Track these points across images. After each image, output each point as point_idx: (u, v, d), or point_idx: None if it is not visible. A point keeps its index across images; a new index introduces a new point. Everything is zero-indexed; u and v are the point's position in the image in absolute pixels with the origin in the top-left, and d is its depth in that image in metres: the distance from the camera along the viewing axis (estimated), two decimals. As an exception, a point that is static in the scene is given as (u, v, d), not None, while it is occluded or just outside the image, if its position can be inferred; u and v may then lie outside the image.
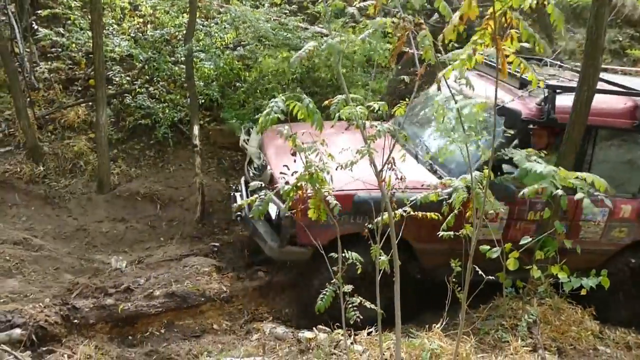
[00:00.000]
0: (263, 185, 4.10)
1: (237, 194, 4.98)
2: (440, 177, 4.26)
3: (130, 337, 3.93)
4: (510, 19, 1.83)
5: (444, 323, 3.49)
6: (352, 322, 2.53)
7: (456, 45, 2.80)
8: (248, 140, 4.95)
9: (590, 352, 3.78)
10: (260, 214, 2.43)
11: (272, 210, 4.29)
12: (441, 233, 2.74)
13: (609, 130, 4.50)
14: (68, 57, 7.26)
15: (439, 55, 2.36)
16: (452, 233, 2.74)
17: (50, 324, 3.55)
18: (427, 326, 3.61)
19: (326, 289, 2.55)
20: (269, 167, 4.50)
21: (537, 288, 4.22)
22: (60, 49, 7.23)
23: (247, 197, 4.60)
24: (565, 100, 4.30)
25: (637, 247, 4.66)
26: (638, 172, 4.55)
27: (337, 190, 3.81)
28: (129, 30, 7.70)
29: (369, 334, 3.58)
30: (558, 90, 4.33)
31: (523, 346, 3.59)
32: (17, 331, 2.72)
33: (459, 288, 3.51)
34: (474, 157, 4.31)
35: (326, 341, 3.41)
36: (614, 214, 4.48)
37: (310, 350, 3.38)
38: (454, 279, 3.46)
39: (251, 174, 4.74)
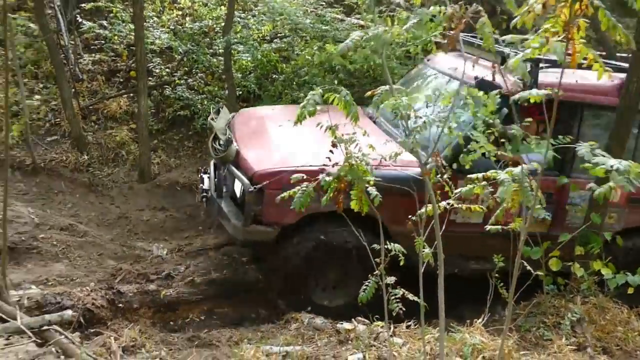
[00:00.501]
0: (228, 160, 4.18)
1: (205, 176, 4.83)
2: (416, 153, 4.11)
3: (171, 323, 4.02)
4: (584, 7, 1.78)
5: (485, 319, 3.45)
6: (394, 315, 2.51)
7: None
8: (216, 118, 4.74)
9: (638, 353, 3.67)
10: (302, 206, 2.43)
11: (238, 188, 4.19)
12: (488, 227, 2.68)
13: (594, 108, 4.34)
14: (110, 49, 7.43)
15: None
16: (499, 227, 2.66)
17: (97, 307, 3.67)
18: (467, 321, 3.57)
19: (368, 280, 2.54)
20: (234, 143, 4.38)
21: (580, 285, 4.12)
22: (103, 41, 7.40)
23: (215, 178, 4.52)
24: (550, 77, 4.09)
25: (629, 235, 4.41)
26: (628, 154, 4.26)
27: (301, 166, 3.86)
28: (169, 23, 7.82)
29: (408, 327, 3.57)
30: (541, 65, 4.11)
31: (567, 345, 3.52)
32: (69, 312, 2.82)
33: (502, 283, 3.47)
34: (450, 141, 3.97)
35: (365, 333, 3.41)
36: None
37: (349, 342, 3.39)
38: (496, 275, 3.42)
39: (216, 150, 4.55)
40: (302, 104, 2.20)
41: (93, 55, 7.36)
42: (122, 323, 3.68)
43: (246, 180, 4.00)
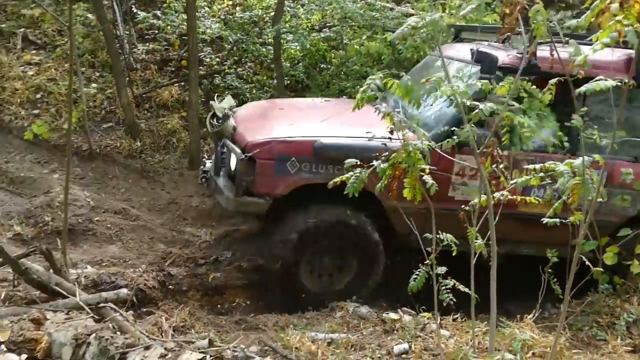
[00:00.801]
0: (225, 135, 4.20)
1: (207, 161, 4.88)
2: (414, 132, 4.00)
3: (219, 306, 4.12)
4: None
5: (536, 315, 3.36)
6: (444, 305, 2.48)
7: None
8: (219, 102, 4.84)
9: (699, 357, 3.50)
10: (355, 191, 2.42)
11: (233, 163, 4.15)
12: (545, 220, 2.59)
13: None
14: (163, 39, 7.60)
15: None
16: (557, 220, 2.57)
17: (149, 288, 3.79)
18: (517, 317, 3.49)
19: (419, 270, 2.51)
20: (231, 119, 4.42)
21: (639, 285, 3.95)
22: (156, 31, 7.58)
23: (217, 160, 4.47)
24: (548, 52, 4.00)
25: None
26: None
27: (293, 136, 3.95)
28: (219, 13, 7.94)
29: (454, 319, 3.52)
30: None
31: (622, 346, 3.38)
32: (124, 291, 2.93)
33: (555, 279, 3.37)
34: (444, 116, 4.03)
35: (411, 323, 3.38)
36: (612, 178, 3.97)
37: (395, 331, 3.37)
38: (549, 270, 3.32)
39: (212, 125, 4.60)
40: (362, 89, 2.19)
41: (147, 44, 7.55)
42: (172, 304, 3.79)
43: (238, 150, 4.02)
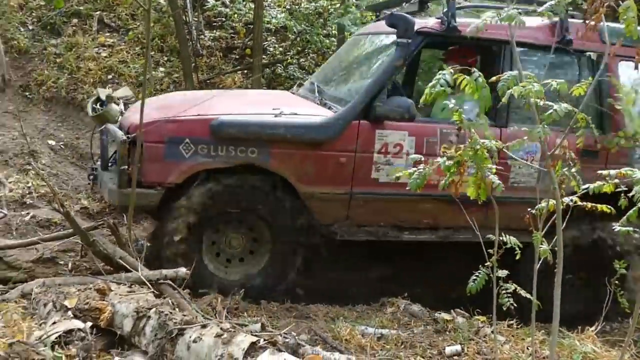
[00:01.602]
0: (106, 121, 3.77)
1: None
2: (330, 109, 3.74)
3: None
4: None
5: (598, 327, 3.21)
6: (504, 309, 2.40)
7: None
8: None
9: None
10: (418, 187, 2.37)
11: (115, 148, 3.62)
12: (617, 227, 2.44)
13: (525, 47, 3.77)
14: (230, 26, 7.74)
15: None
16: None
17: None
18: (579, 327, 3.35)
19: (478, 272, 2.44)
20: (116, 103, 3.97)
21: None
22: (223, 19, 7.73)
23: (104, 151, 3.84)
24: (471, 18, 3.73)
25: None
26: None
27: (187, 116, 3.45)
28: (285, 3, 7.99)
29: (509, 325, 3.42)
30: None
31: (693, 367, 3.19)
32: (183, 270, 3.01)
33: (622, 292, 3.21)
34: (361, 86, 3.75)
35: (465, 325, 3.31)
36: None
37: (447, 332, 3.30)
38: (615, 283, 3.17)
39: (94, 109, 4.04)
40: (430, 84, 2.14)
41: (213, 32, 7.72)
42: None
43: (120, 132, 3.47)
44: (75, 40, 7.08)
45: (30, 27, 7.23)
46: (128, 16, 7.64)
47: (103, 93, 4.09)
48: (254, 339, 2.18)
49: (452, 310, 3.55)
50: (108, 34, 7.44)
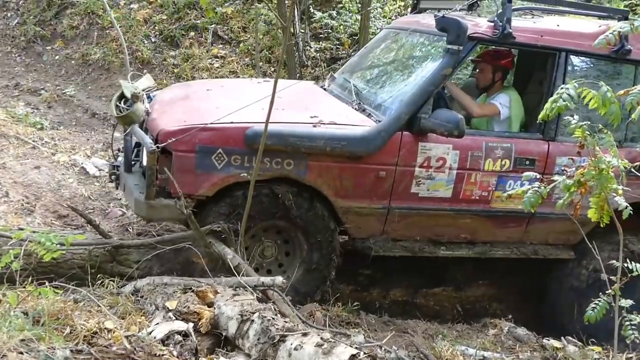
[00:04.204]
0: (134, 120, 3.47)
1: (121, 154, 3.99)
2: (369, 116, 3.46)
3: (367, 303, 4.14)
4: None
5: None
6: (628, 342, 2.20)
7: None
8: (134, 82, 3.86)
9: None
10: (532, 207, 2.24)
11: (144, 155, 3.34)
12: None
13: (579, 55, 3.61)
14: (335, 37, 7.87)
15: None
16: None
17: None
18: None
19: (599, 299, 2.26)
20: (144, 102, 3.59)
21: None
22: (329, 31, 7.88)
23: (127, 152, 3.62)
24: (526, 23, 3.59)
25: None
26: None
27: (217, 123, 3.15)
28: (390, 13, 7.98)
29: (628, 359, 3.13)
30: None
31: None
32: (280, 278, 3.05)
33: None
34: (404, 94, 3.44)
35: (577, 355, 3.08)
36: None
37: (556, 361, 3.10)
38: None
39: (119, 108, 3.65)
40: (552, 99, 2.03)
41: (319, 43, 7.89)
42: (324, 296, 3.87)
43: (148, 140, 3.20)
44: (191, 52, 7.58)
45: (153, 40, 7.85)
46: (240, 29, 8.04)
47: (128, 90, 3.66)
48: (354, 351, 2.17)
49: (562, 338, 3.32)
50: (221, 46, 7.87)
